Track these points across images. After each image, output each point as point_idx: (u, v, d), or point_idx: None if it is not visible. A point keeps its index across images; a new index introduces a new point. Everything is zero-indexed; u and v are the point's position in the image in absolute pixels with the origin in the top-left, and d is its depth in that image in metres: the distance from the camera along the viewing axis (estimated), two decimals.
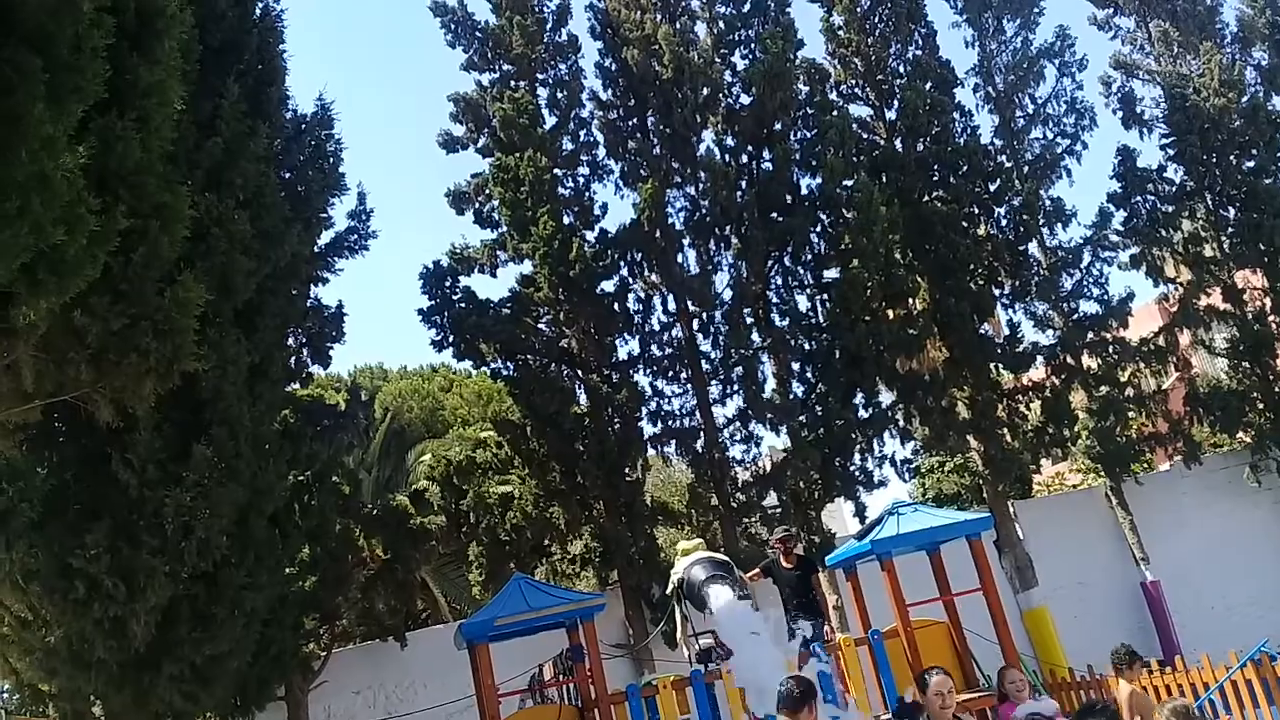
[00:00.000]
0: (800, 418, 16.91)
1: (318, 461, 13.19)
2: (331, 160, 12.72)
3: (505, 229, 17.32)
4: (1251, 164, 19.76)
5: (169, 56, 7.43)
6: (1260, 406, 18.85)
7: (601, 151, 18.40)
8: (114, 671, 8.78)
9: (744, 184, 17.72)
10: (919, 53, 19.27)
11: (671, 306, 17.85)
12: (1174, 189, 20.11)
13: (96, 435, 8.82)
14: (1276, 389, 18.81)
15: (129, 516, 8.80)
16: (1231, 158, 19.68)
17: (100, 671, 8.75)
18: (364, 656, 16.20)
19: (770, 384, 17.48)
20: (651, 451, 17.74)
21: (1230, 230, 19.77)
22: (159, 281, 7.65)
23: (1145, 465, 20.72)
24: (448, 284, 17.28)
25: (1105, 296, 18.92)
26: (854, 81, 19.62)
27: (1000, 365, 18.74)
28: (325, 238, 13.57)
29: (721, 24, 18.62)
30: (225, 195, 9.70)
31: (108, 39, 6.41)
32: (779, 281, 18.09)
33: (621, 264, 17.77)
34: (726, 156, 17.93)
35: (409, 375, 28.68)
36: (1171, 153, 20.08)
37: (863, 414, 17.45)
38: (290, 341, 13.07)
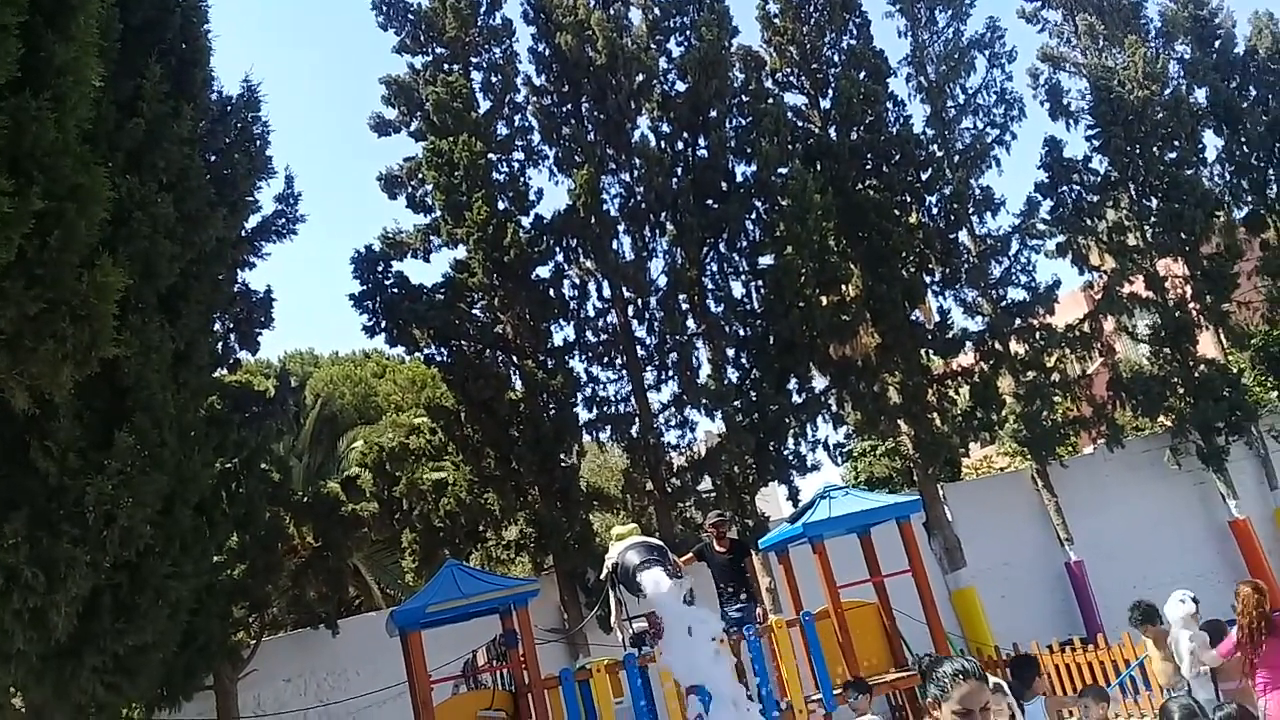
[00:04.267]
0: (735, 403, 17.02)
1: (246, 449, 12.96)
2: (259, 143, 12.46)
3: (439, 214, 17.15)
4: (1173, 155, 20.30)
5: (85, 33, 7.24)
6: (1180, 391, 19.38)
7: (536, 137, 18.26)
8: (34, 663, 8.57)
9: (679, 170, 17.74)
10: (853, 42, 19.46)
11: (607, 293, 17.83)
12: (1099, 179, 20.59)
13: (13, 422, 8.58)
14: (1196, 374, 19.35)
15: (48, 505, 8.59)
16: (1154, 149, 20.19)
17: (20, 663, 8.53)
18: (295, 644, 16.02)
19: (705, 369, 17.57)
20: (587, 437, 17.71)
21: (1152, 220, 20.29)
22: (77, 266, 7.44)
23: (1070, 448, 21.21)
24: (380, 269, 17.08)
25: (1032, 284, 19.31)
26: (789, 70, 19.75)
27: (930, 351, 19.08)
28: (252, 222, 13.31)
29: (656, 10, 18.56)
30: (147, 178, 9.48)
31: (20, 15, 6.23)
32: (714, 268, 18.17)
33: (556, 250, 17.69)
34: (661, 143, 17.94)
35: (341, 361, 28.45)
36: (1097, 144, 20.56)
37: (796, 399, 17.65)
38: (217, 327, 12.83)
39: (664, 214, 17.63)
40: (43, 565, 8.26)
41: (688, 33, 18.42)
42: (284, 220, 13.72)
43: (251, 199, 12.50)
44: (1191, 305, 19.94)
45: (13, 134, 6.64)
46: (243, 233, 12.89)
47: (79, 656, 8.73)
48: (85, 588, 8.48)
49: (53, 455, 8.58)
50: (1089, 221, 20.20)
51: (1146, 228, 20.31)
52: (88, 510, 8.48)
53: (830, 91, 19.32)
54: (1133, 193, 20.48)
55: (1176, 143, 20.25)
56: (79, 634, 8.67)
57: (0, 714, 9.56)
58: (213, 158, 11.67)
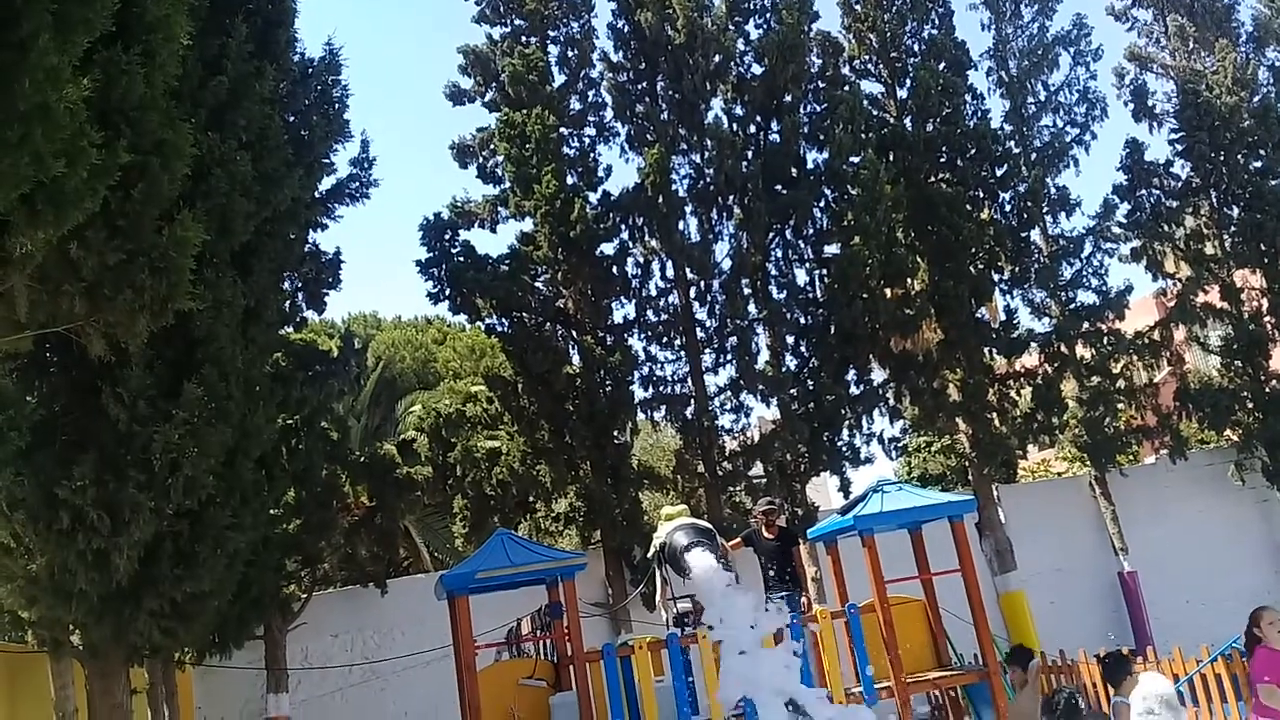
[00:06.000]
0: (791, 391, 16.97)
1: (307, 406, 13.23)
2: (337, 106, 12.62)
3: (508, 185, 17.28)
4: (1259, 164, 19.73)
5: None
6: (1250, 406, 18.93)
7: (609, 113, 18.34)
8: (94, 603, 8.80)
9: (750, 154, 17.65)
10: (934, 32, 19.16)
11: (670, 273, 17.85)
12: (1180, 184, 20.11)
13: (88, 368, 8.81)
14: (1267, 389, 18.89)
15: (117, 450, 8.79)
16: (1239, 157, 19.65)
17: (81, 602, 8.77)
18: (344, 601, 16.34)
19: (764, 355, 17.54)
20: (641, 416, 17.82)
21: (1232, 229, 19.78)
22: (157, 219, 7.60)
23: (1131, 457, 20.82)
24: (447, 237, 17.24)
25: (1103, 288, 18.96)
26: (867, 57, 19.51)
27: (994, 350, 18.79)
28: (326, 184, 13.52)
29: None
30: (228, 136, 9.64)
31: None
32: (779, 254, 18.06)
33: (622, 227, 17.74)
34: (734, 126, 17.87)
35: (403, 325, 28.78)
36: (1180, 148, 20.05)
37: (854, 390, 17.51)
38: (286, 285, 13.04)
39: (732, 197, 17.56)
40: (108, 508, 8.49)
41: (767, 15, 18.31)
42: (357, 184, 13.92)
43: (327, 161, 12.70)
44: (1267, 319, 19.44)
45: (103, 87, 6.77)
46: (316, 194, 13.07)
47: (138, 600, 8.95)
48: (148, 533, 8.69)
49: (123, 402, 8.78)
50: (1166, 227, 19.75)
51: (1226, 237, 19.82)
52: (154, 457, 8.66)
53: (908, 81, 19.07)
54: (1214, 200, 19.97)
55: (1262, 152, 19.68)
56: (139, 578, 8.88)
57: (59, 650, 9.85)
58: (292, 118, 11.84)
